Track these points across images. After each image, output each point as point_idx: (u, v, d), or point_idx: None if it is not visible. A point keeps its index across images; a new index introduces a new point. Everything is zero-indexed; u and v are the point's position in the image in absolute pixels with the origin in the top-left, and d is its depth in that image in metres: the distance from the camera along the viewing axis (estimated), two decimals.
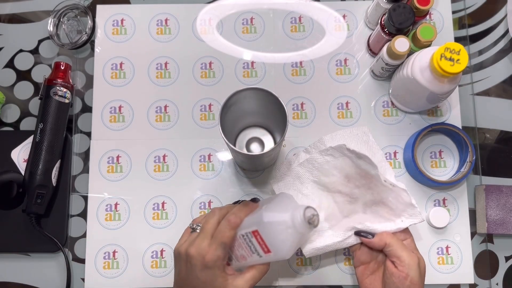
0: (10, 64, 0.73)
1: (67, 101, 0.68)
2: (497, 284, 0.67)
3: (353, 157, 0.58)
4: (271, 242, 0.49)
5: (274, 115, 0.58)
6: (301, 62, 0.72)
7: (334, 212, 0.60)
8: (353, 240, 0.58)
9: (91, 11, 0.73)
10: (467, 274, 0.66)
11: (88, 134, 0.70)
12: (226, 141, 0.52)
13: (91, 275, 0.66)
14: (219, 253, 0.49)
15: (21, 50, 0.74)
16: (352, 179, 0.59)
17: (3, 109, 0.72)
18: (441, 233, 0.67)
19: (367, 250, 0.58)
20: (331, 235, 0.59)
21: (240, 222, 0.51)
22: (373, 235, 0.56)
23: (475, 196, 0.68)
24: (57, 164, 0.67)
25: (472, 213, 0.68)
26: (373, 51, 0.71)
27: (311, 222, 0.47)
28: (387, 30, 0.64)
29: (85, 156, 0.70)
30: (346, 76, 0.72)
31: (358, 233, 0.57)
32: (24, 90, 0.72)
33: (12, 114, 0.72)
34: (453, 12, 0.74)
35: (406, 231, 0.57)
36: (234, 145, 0.67)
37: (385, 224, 0.57)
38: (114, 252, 0.67)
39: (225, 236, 0.50)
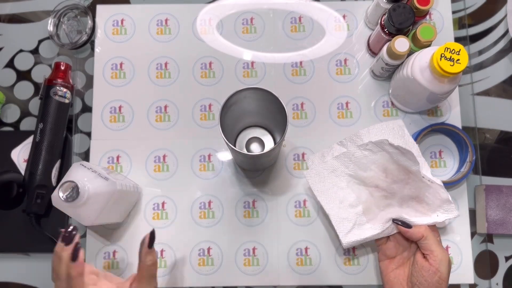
0: (10, 64, 0.73)
1: (67, 101, 0.68)
2: (497, 284, 0.67)
3: (393, 153, 0.58)
4: None
5: (274, 115, 0.58)
6: (301, 62, 0.72)
7: (371, 206, 0.61)
8: (390, 230, 0.59)
9: (91, 11, 0.73)
10: (467, 274, 0.66)
11: (88, 134, 0.70)
12: (226, 141, 0.52)
13: None
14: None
15: (21, 50, 0.74)
16: (390, 174, 0.60)
17: (3, 109, 0.72)
18: (441, 233, 0.67)
19: (393, 244, 0.60)
20: (369, 228, 0.60)
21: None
22: (410, 226, 0.57)
23: (475, 196, 0.68)
24: (57, 164, 0.67)
25: (472, 213, 0.68)
26: (373, 51, 0.71)
27: (66, 196, 0.52)
28: (387, 30, 0.64)
29: (85, 156, 0.70)
30: (346, 76, 0.72)
31: (396, 221, 0.58)
32: (24, 90, 0.73)
33: (12, 114, 0.72)
34: (453, 12, 0.74)
35: (435, 228, 0.58)
36: (234, 145, 0.67)
37: (421, 218, 0.58)
38: (114, 252, 0.67)
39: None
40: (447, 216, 0.57)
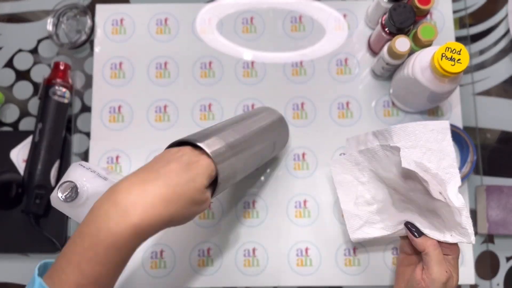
0: (9, 64, 0.73)
1: (66, 101, 0.68)
2: (498, 284, 0.66)
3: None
4: None
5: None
6: (301, 62, 0.72)
7: (387, 206, 0.59)
8: (400, 233, 0.58)
9: (90, 10, 0.73)
10: (468, 275, 0.66)
11: (87, 134, 0.70)
12: None
13: None
14: None
15: (20, 50, 0.73)
16: (409, 180, 0.55)
17: (2, 109, 0.72)
18: None
19: (409, 242, 0.57)
20: (380, 228, 0.59)
21: None
22: (419, 234, 0.54)
23: (476, 196, 0.68)
24: (56, 164, 0.67)
25: (473, 214, 0.68)
26: (373, 51, 0.71)
27: (65, 196, 0.52)
28: (387, 30, 0.64)
29: (84, 156, 0.70)
30: (347, 76, 0.71)
31: (407, 225, 0.56)
32: (23, 90, 0.72)
33: (11, 114, 0.72)
34: (454, 12, 0.73)
35: (453, 247, 0.54)
36: None
37: (434, 232, 0.54)
38: None
39: None
40: (461, 239, 0.52)
